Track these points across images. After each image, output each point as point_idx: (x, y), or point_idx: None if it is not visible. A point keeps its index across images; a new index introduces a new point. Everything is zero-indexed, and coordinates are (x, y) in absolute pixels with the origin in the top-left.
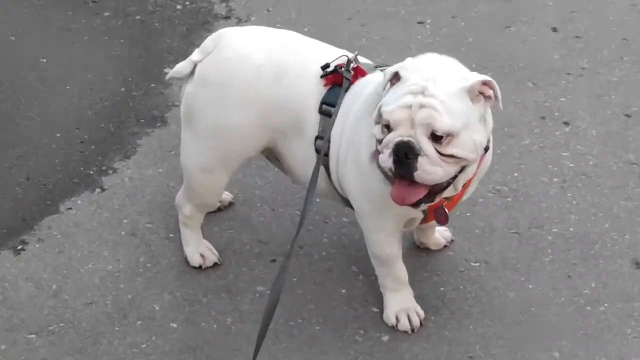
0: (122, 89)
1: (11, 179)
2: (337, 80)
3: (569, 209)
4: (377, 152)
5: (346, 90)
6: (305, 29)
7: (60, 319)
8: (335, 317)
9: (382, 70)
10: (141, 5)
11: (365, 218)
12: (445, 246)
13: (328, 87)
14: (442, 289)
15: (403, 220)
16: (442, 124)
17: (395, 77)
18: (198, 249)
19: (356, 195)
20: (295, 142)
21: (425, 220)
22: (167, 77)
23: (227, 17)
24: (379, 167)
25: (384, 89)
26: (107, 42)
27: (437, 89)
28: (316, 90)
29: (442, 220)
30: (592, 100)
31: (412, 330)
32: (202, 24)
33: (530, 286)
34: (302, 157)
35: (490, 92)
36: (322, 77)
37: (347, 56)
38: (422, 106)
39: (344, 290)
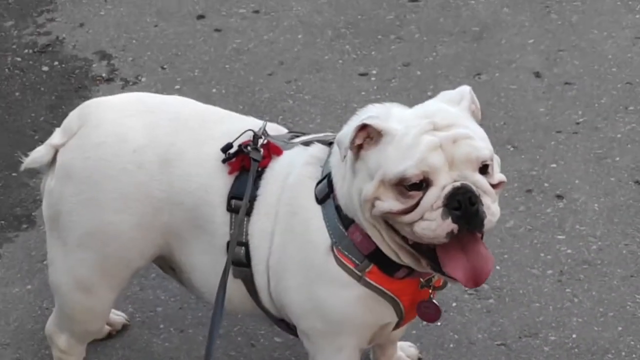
0: None
1: None
2: (246, 164)
3: (570, 309)
4: (357, 231)
5: (259, 177)
6: (214, 90)
7: None
8: None
9: (302, 142)
10: None
11: (318, 339)
12: None
13: (235, 175)
14: None
15: (370, 333)
16: (486, 150)
17: (370, 136)
18: None
19: (304, 313)
20: (195, 247)
21: (398, 325)
22: (22, 167)
23: (109, 80)
24: (406, 248)
25: (344, 157)
26: None
27: (449, 116)
28: (219, 180)
29: (433, 314)
30: (591, 164)
31: None
32: (76, 90)
33: None
34: (207, 268)
35: (474, 106)
36: (224, 162)
37: (253, 131)
38: (455, 140)
39: None
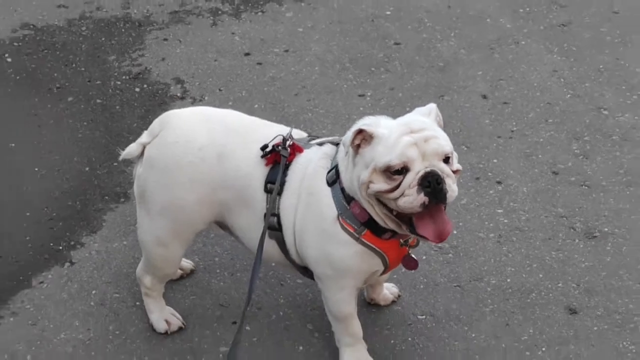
0: (87, 169)
1: None
2: (277, 159)
3: (505, 261)
4: (356, 206)
5: (287, 167)
6: (256, 106)
7: None
8: None
9: (318, 143)
10: (102, 89)
11: (327, 281)
12: (393, 301)
13: (270, 166)
14: (392, 341)
15: (364, 277)
16: (447, 147)
17: (365, 138)
18: (162, 315)
19: (318, 262)
20: (242, 216)
21: (385, 271)
22: (120, 158)
23: (182, 98)
24: (389, 216)
25: (347, 153)
26: (72, 125)
27: (421, 123)
28: (259, 170)
29: (413, 265)
30: (522, 160)
31: None
32: (159, 105)
33: (473, 335)
34: (250, 230)
35: (438, 118)
36: (262, 157)
37: (282, 135)
38: (426, 139)
39: (301, 348)
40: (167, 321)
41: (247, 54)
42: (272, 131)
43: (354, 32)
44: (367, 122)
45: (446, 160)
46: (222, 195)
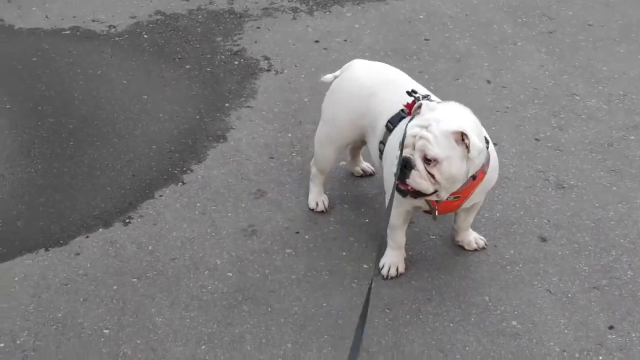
0: (197, 117)
1: (122, 176)
2: (410, 107)
3: (496, 201)
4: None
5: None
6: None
7: (153, 268)
8: (338, 271)
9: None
10: (211, 61)
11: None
12: (412, 222)
13: (396, 113)
14: (410, 253)
15: (410, 205)
16: (431, 151)
17: (419, 109)
18: (317, 198)
19: (387, 177)
20: (371, 139)
21: (428, 212)
22: (321, 80)
23: (268, 70)
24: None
25: (414, 115)
26: (188, 86)
27: (436, 127)
28: (388, 112)
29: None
30: (513, 129)
31: (390, 278)
32: (251, 74)
33: (470, 252)
34: (374, 149)
35: (467, 141)
36: (409, 94)
37: (429, 95)
38: (421, 137)
39: (344, 253)
40: (317, 202)
41: (316, 41)
42: (411, 86)
43: (396, 29)
44: (429, 104)
45: (428, 161)
46: (363, 121)
